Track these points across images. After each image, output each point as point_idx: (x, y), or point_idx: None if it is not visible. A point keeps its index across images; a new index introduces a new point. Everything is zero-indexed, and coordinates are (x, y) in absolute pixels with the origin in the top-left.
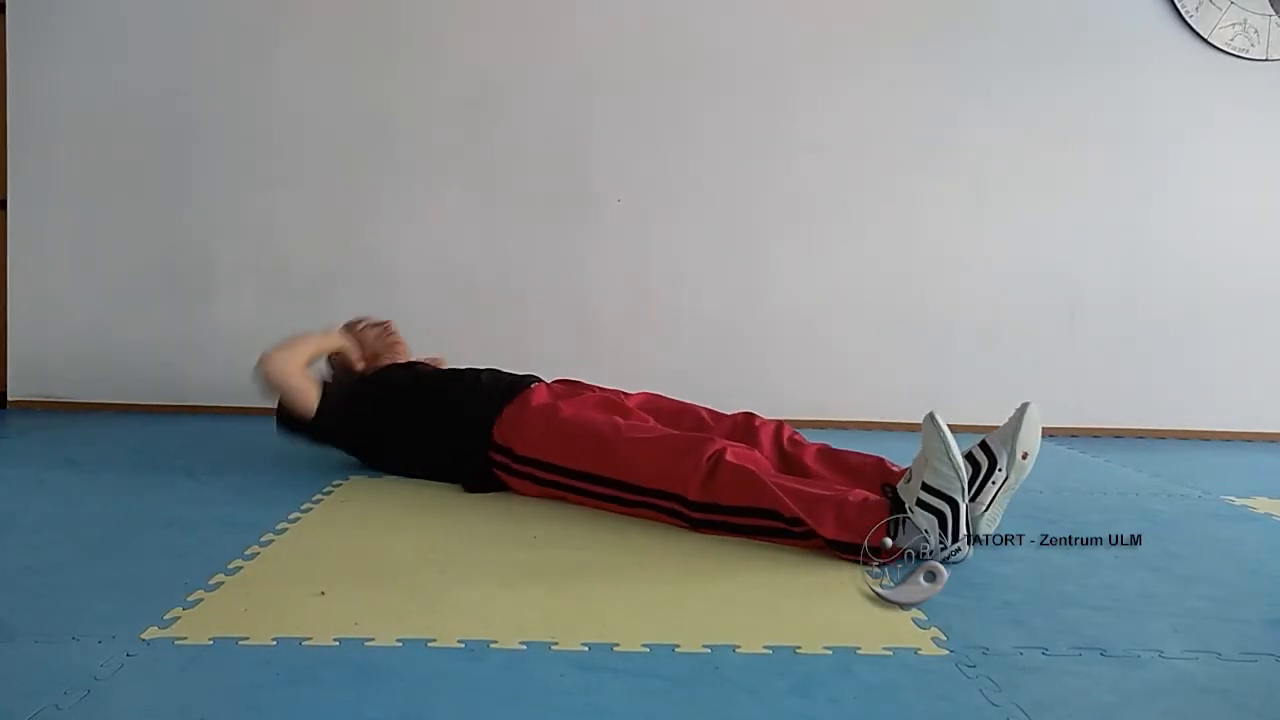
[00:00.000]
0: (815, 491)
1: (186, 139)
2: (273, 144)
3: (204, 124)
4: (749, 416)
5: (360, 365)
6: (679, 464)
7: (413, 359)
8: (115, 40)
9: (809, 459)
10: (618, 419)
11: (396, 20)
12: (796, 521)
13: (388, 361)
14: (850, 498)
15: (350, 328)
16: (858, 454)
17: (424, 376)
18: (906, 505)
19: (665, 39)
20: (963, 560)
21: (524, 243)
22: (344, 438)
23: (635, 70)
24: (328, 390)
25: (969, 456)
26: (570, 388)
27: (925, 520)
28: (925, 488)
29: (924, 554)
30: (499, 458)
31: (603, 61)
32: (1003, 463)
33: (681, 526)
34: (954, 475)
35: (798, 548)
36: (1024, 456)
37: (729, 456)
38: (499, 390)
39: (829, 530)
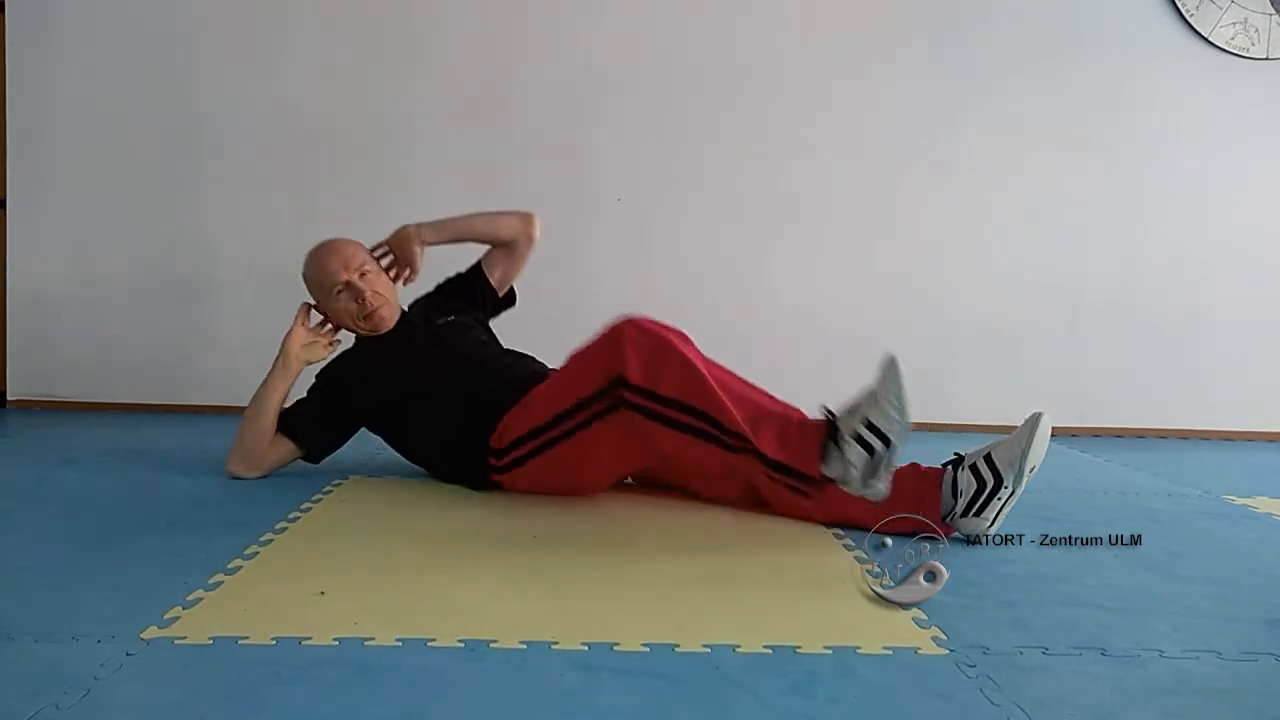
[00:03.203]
0: (762, 405)
1: (187, 138)
2: (273, 143)
3: (204, 123)
4: None
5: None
6: (619, 345)
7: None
8: (115, 38)
9: None
10: None
11: (396, 20)
12: (737, 436)
13: (378, 320)
14: (793, 417)
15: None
16: None
17: (421, 380)
18: (842, 434)
19: (665, 39)
20: (879, 498)
21: None
22: (348, 434)
23: (635, 70)
24: (320, 420)
25: (974, 470)
26: None
27: (855, 453)
28: (867, 424)
29: (845, 486)
30: (492, 461)
31: (603, 62)
32: (1009, 481)
33: (631, 428)
34: (898, 420)
35: (735, 464)
36: (1031, 470)
37: (676, 345)
38: (499, 399)
39: (769, 448)
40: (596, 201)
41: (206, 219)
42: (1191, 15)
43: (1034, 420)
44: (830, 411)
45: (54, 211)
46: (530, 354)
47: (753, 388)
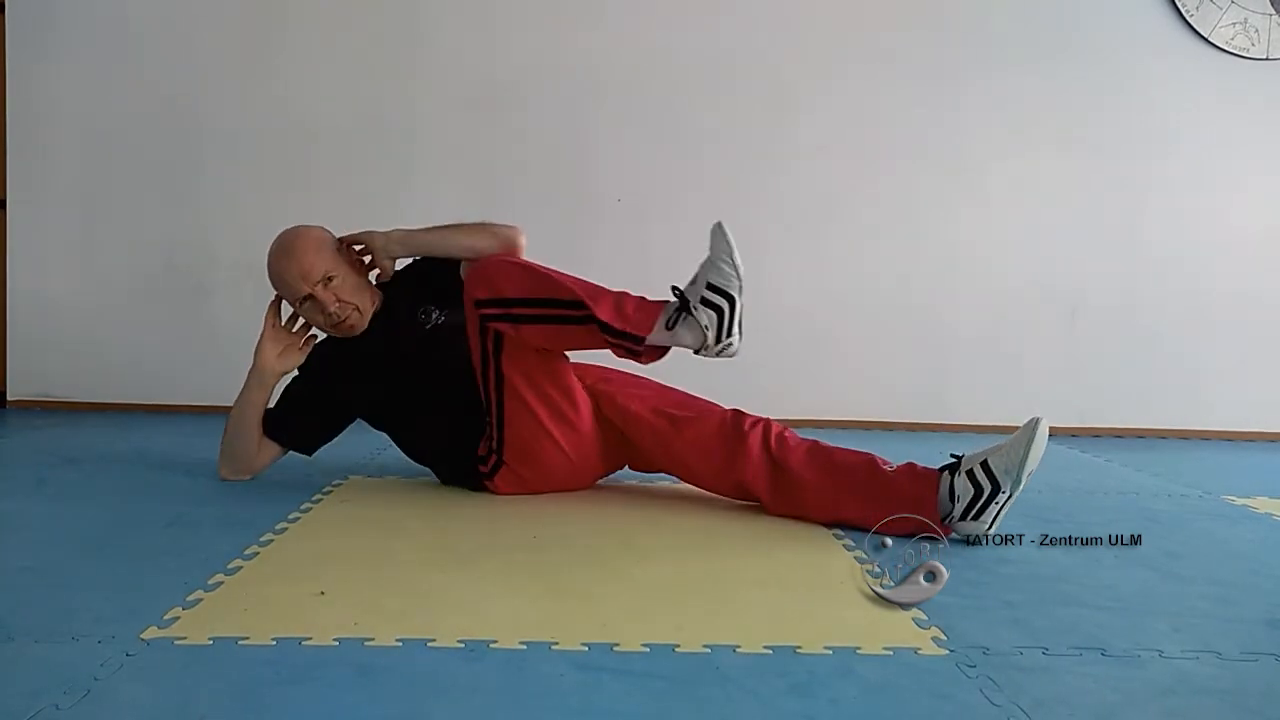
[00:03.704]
0: (601, 286)
1: (186, 138)
2: (273, 143)
3: (204, 123)
4: (738, 415)
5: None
6: (466, 286)
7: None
8: (115, 39)
9: (796, 461)
10: None
11: (398, 21)
12: (576, 305)
13: (348, 329)
14: (631, 294)
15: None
16: (847, 450)
17: (409, 389)
18: (690, 303)
19: (666, 40)
20: (734, 355)
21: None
22: (339, 427)
23: (636, 70)
24: (302, 425)
25: (970, 476)
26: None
27: (706, 316)
28: (709, 286)
29: (700, 349)
30: (482, 469)
31: (604, 62)
32: (1007, 487)
33: (506, 350)
34: (734, 275)
35: (597, 344)
36: (1028, 474)
37: (504, 257)
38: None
39: (606, 316)
40: (597, 201)
41: (206, 219)
42: (1191, 15)
43: (1032, 426)
44: (677, 288)
45: (54, 212)
46: None
47: (595, 283)
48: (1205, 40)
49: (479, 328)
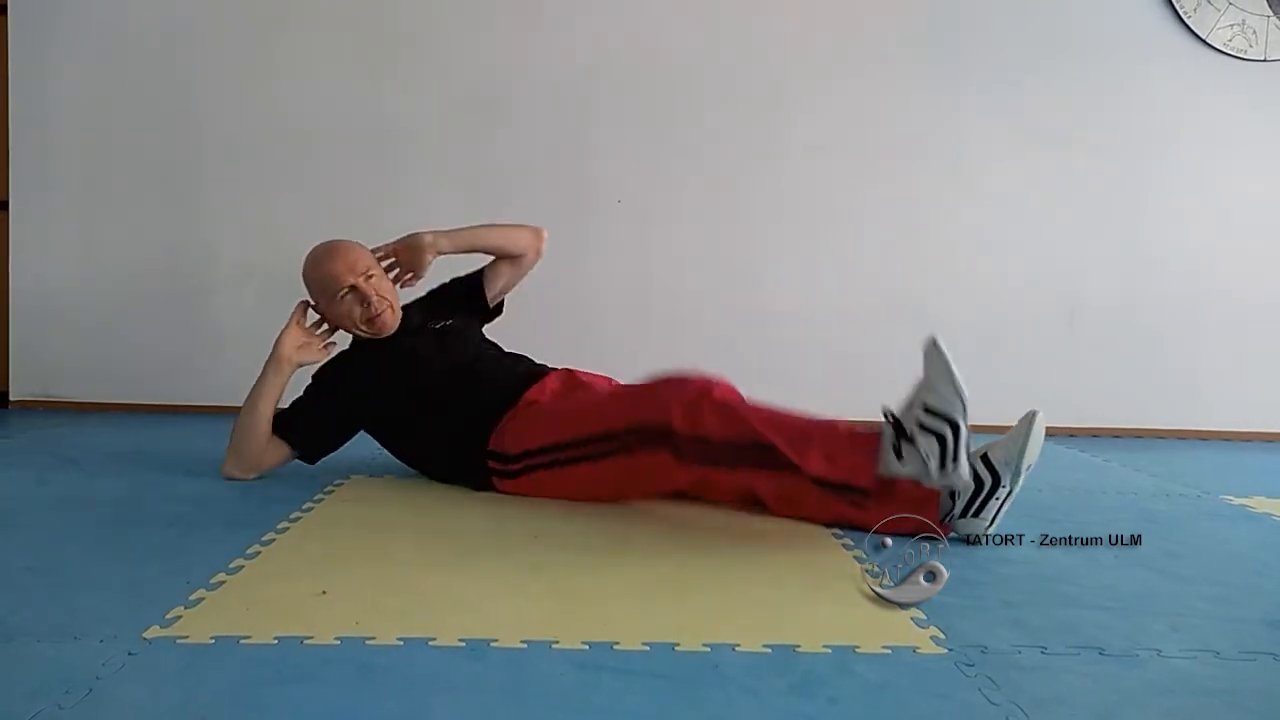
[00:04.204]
0: (805, 426)
1: (188, 139)
2: (275, 145)
3: (206, 124)
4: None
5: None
6: (661, 396)
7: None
8: (117, 40)
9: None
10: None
11: (398, 22)
12: (785, 463)
13: (382, 324)
14: (840, 429)
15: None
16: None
17: (422, 386)
18: (907, 430)
19: (666, 40)
20: (963, 487)
21: None
22: (345, 437)
23: (636, 71)
24: (314, 424)
25: (970, 469)
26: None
27: (926, 443)
28: (926, 409)
29: (926, 480)
30: (495, 465)
31: (603, 63)
32: (1007, 480)
33: (670, 466)
34: (956, 397)
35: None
36: (1027, 468)
37: (715, 394)
38: (498, 399)
39: (817, 468)
40: (596, 202)
41: (207, 220)
42: (1189, 17)
43: (1029, 419)
44: (890, 412)
45: (56, 213)
46: (525, 355)
47: (794, 413)
48: (1203, 42)
49: (650, 431)
